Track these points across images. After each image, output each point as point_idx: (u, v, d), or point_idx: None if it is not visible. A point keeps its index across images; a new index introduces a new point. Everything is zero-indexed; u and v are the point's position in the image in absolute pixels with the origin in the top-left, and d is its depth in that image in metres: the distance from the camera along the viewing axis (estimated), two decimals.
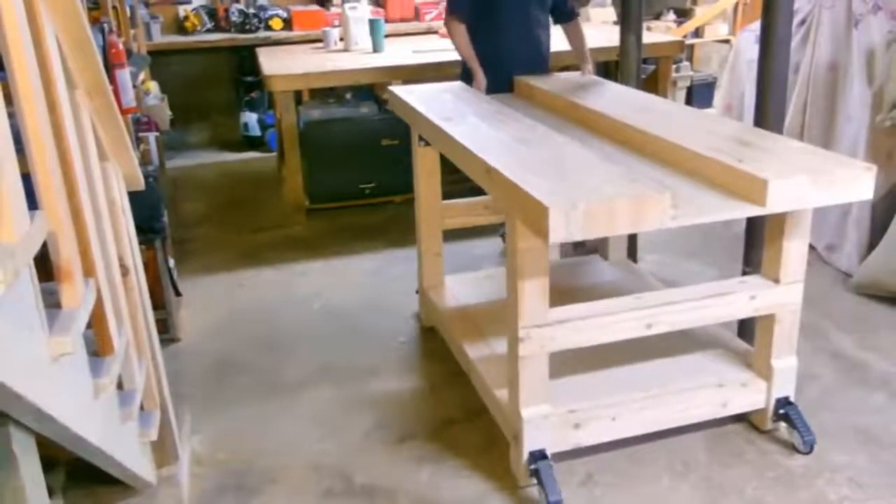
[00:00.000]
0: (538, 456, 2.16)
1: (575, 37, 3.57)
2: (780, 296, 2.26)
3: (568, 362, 2.29)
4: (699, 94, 6.16)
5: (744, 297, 2.25)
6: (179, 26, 5.96)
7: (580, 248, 3.45)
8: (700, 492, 2.20)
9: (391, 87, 3.10)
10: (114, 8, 4.06)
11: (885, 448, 2.35)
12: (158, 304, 2.89)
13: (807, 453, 2.30)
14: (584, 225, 1.77)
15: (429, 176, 2.99)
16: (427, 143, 2.86)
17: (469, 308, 2.93)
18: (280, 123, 4.53)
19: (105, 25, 3.28)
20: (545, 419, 2.16)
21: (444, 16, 3.54)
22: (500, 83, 3.34)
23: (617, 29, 3.48)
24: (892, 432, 2.42)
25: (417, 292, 3.23)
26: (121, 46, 3.06)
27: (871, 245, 3.27)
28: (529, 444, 2.16)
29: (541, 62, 3.51)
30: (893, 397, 2.60)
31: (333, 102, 4.73)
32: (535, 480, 2.16)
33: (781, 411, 2.35)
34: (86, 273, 1.58)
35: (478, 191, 3.37)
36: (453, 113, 2.68)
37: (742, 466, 2.29)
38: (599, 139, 2.43)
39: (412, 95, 2.97)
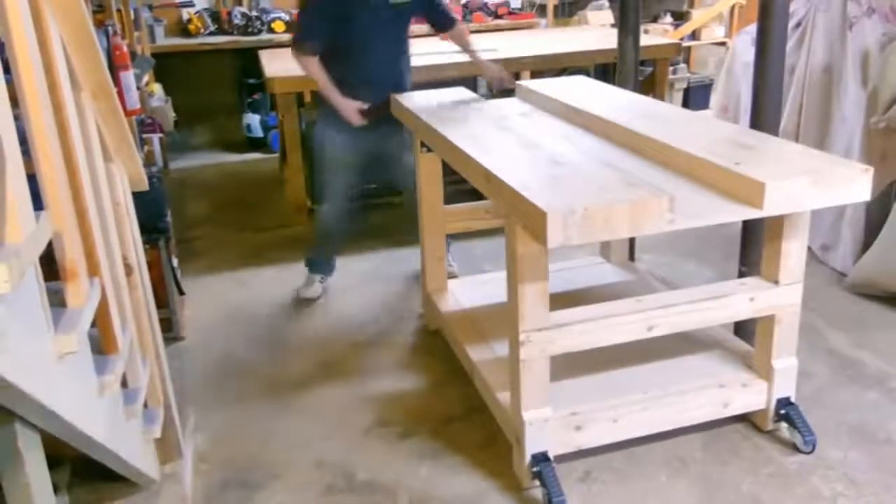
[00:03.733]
0: (540, 458, 2.17)
1: (461, 42, 3.39)
2: (780, 297, 2.27)
3: (569, 364, 2.29)
4: (696, 96, 6.19)
5: (744, 299, 2.25)
6: (183, 29, 6.00)
7: None
8: (697, 488, 2.22)
9: (392, 94, 3.10)
10: (118, 11, 4.08)
11: (879, 445, 2.38)
12: (162, 302, 2.91)
13: (808, 453, 2.31)
14: (581, 230, 1.77)
15: (431, 181, 3.01)
16: (430, 149, 2.87)
17: (471, 311, 2.94)
18: (282, 125, 4.56)
19: (109, 28, 3.30)
20: (547, 422, 2.17)
21: (291, 48, 3.15)
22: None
23: (615, 32, 3.50)
24: (886, 429, 2.45)
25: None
26: (125, 49, 3.08)
27: (866, 245, 3.29)
28: (531, 446, 2.17)
29: (403, 88, 3.23)
30: (887, 395, 2.62)
31: None
32: (538, 482, 2.18)
33: (782, 412, 2.36)
34: (90, 272, 1.60)
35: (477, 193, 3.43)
36: (454, 118, 2.70)
37: (738, 463, 2.31)
38: (598, 142, 2.44)
39: (413, 101, 2.99)
